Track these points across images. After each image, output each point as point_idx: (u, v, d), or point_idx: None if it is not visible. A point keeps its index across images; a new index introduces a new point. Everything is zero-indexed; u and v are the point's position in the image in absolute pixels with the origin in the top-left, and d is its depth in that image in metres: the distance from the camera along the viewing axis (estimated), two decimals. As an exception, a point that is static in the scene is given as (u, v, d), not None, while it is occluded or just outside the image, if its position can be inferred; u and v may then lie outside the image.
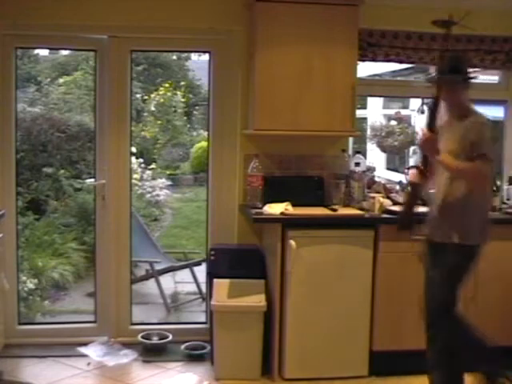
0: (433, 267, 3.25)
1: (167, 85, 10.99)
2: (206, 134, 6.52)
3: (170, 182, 9.23)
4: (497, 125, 4.13)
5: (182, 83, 11.63)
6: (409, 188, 3.40)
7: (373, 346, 3.80)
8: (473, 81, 3.23)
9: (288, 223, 3.67)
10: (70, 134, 7.08)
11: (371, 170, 4.56)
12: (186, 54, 12.08)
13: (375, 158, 7.70)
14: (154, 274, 5.57)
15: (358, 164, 4.19)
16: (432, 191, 3.34)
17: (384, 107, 8.14)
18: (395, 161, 8.17)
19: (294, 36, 3.81)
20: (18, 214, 4.44)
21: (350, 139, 4.75)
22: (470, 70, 3.30)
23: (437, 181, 3.27)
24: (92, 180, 4.44)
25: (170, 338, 4.17)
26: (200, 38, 4.19)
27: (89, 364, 3.88)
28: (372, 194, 3.99)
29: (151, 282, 5.68)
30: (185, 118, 11.47)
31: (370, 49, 4.15)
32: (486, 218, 3.29)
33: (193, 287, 5.74)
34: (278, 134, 3.94)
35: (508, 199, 4.21)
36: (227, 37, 4.12)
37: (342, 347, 3.75)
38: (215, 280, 3.82)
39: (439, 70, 3.19)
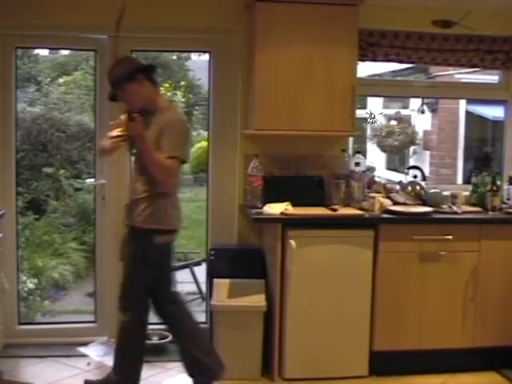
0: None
1: (167, 85, 10.96)
2: (206, 133, 6.51)
3: (170, 182, 9.20)
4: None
5: (182, 83, 11.60)
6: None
7: (373, 346, 3.79)
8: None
9: (288, 223, 3.68)
10: (69, 133, 7.06)
11: (371, 169, 4.56)
12: (186, 54, 12.06)
13: (375, 157, 7.71)
14: (154, 274, 5.56)
15: (358, 164, 4.19)
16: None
17: (384, 107, 8.14)
18: (395, 161, 8.17)
19: (294, 36, 3.80)
20: (18, 214, 4.44)
21: (350, 139, 4.75)
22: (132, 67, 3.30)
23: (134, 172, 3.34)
24: (92, 180, 4.44)
25: (170, 337, 4.17)
26: (200, 38, 4.19)
27: (89, 364, 3.88)
28: (372, 194, 3.99)
29: (151, 282, 5.67)
30: (185, 117, 11.45)
31: (370, 49, 4.15)
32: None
33: (193, 287, 5.73)
34: (278, 133, 3.94)
35: (508, 199, 4.20)
36: (227, 37, 4.12)
37: (342, 347, 3.75)
38: (215, 280, 3.82)
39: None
